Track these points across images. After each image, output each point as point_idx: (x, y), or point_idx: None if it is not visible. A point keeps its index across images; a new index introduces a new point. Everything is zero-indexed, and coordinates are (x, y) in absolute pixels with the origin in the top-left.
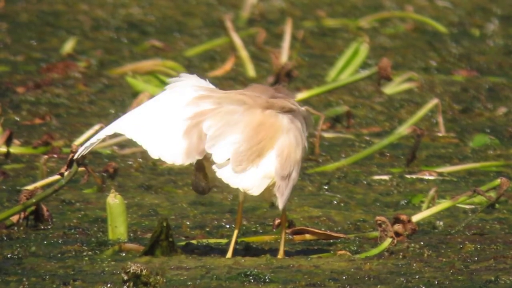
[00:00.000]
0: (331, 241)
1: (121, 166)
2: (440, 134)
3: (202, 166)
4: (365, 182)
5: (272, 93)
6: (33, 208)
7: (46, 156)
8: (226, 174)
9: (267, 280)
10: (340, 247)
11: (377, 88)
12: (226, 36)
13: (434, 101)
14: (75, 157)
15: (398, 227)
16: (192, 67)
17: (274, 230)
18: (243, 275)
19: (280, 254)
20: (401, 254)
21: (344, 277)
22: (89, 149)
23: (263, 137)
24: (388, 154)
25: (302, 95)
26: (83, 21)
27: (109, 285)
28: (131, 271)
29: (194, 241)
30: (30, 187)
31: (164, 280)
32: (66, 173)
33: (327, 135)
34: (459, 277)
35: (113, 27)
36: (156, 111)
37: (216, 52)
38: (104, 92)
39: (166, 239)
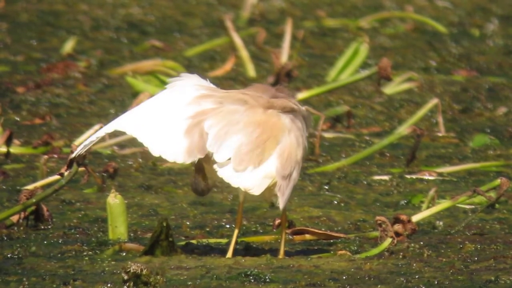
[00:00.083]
0: (331, 241)
1: (121, 166)
2: (440, 134)
3: (202, 167)
4: (365, 182)
5: (273, 93)
6: (33, 208)
7: (46, 156)
8: (227, 174)
9: (267, 280)
10: (340, 247)
11: (377, 88)
12: (226, 36)
13: (434, 101)
14: (74, 155)
15: (398, 227)
16: (192, 67)
17: (274, 230)
18: (243, 275)
19: (281, 254)
20: (401, 254)
21: (344, 277)
22: (88, 147)
23: (264, 136)
24: (388, 154)
25: (302, 95)
26: (83, 21)
27: (109, 285)
28: (131, 271)
29: (194, 241)
30: (30, 187)
31: (164, 280)
32: (66, 173)
33: (327, 135)
34: (459, 277)
35: (113, 27)
36: (157, 109)
37: (216, 52)
38: (104, 92)
39: (166, 239)
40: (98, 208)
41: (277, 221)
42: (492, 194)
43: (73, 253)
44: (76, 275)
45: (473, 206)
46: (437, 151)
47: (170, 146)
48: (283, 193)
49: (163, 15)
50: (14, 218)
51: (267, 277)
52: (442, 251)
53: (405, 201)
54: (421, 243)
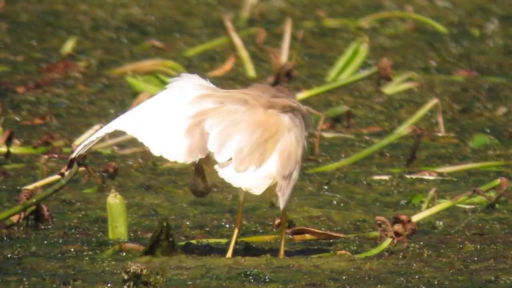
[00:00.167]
0: (331, 241)
1: (121, 166)
2: (440, 134)
3: (201, 169)
4: (365, 182)
5: (274, 92)
6: (33, 208)
7: (46, 156)
8: (228, 174)
9: (267, 280)
10: (340, 247)
11: (377, 88)
12: (226, 36)
13: (434, 101)
14: (74, 155)
15: (398, 227)
16: (192, 67)
17: (274, 230)
18: (243, 275)
19: (281, 254)
20: (401, 254)
21: (344, 277)
22: (88, 147)
23: (265, 136)
24: (388, 154)
25: (302, 95)
26: (83, 21)
27: (109, 284)
28: (132, 271)
29: (194, 241)
30: (30, 187)
31: (164, 280)
32: (66, 173)
33: (327, 135)
34: (459, 277)
35: (113, 27)
36: (158, 109)
37: (216, 52)
38: (104, 92)
39: (166, 239)
40: (98, 208)
41: (277, 221)
42: (492, 194)
43: (73, 253)
44: (76, 275)
45: (473, 206)
46: (437, 151)
47: (171, 145)
48: (283, 193)
49: (163, 15)
50: (14, 218)
51: (267, 277)
52: (442, 251)
53: (405, 201)
54: (421, 243)
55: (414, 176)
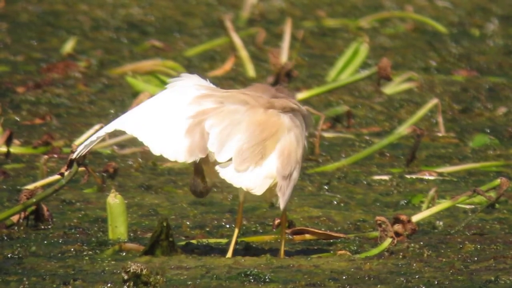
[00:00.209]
0: (331, 241)
1: (121, 166)
2: (440, 134)
3: (201, 169)
4: (365, 182)
5: (274, 92)
6: (33, 208)
7: (46, 156)
8: (229, 174)
9: (267, 280)
10: (340, 247)
11: (377, 88)
12: (226, 36)
13: (434, 101)
14: (75, 155)
15: (398, 227)
16: (192, 67)
17: (274, 230)
18: (243, 275)
19: (281, 254)
20: (401, 254)
21: (344, 277)
22: (89, 148)
23: (265, 136)
24: (388, 154)
25: (302, 95)
26: (83, 21)
27: (109, 284)
28: (131, 271)
29: (194, 241)
30: (30, 186)
31: (164, 280)
32: (66, 173)
33: (327, 135)
34: (459, 277)
35: (113, 27)
36: (158, 109)
37: (216, 52)
38: (104, 92)
39: (166, 239)
40: (98, 208)
41: (277, 221)
42: (492, 194)
43: (73, 253)
44: (76, 275)
45: (473, 206)
46: (437, 151)
47: (171, 145)
48: (283, 193)
49: (163, 15)
50: (14, 218)
51: (267, 277)
52: (442, 251)
53: (405, 201)
54: (421, 243)
55: (414, 176)
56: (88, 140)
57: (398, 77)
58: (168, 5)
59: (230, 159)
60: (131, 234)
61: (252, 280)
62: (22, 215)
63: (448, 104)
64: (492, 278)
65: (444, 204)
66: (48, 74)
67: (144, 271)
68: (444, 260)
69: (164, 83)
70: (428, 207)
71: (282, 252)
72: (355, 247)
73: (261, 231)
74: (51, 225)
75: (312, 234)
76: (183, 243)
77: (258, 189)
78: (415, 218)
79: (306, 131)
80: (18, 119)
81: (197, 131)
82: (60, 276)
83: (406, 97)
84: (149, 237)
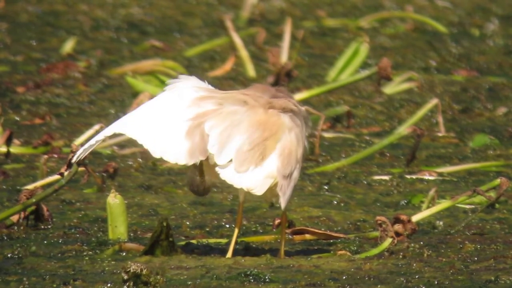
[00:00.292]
0: (331, 241)
1: (121, 166)
2: (440, 134)
3: (201, 169)
4: (365, 182)
5: (273, 93)
6: (33, 208)
7: (46, 156)
8: (229, 175)
9: (267, 280)
10: (340, 247)
11: (377, 88)
12: (226, 36)
13: (434, 101)
14: (74, 159)
15: (398, 227)
16: (192, 67)
17: (274, 230)
18: (243, 275)
19: (281, 254)
20: (401, 254)
21: (344, 277)
22: (88, 151)
23: (265, 136)
24: (388, 154)
25: (302, 95)
26: (83, 21)
27: (109, 284)
28: (131, 271)
29: (194, 241)
30: (30, 186)
31: (164, 280)
32: (66, 173)
33: (327, 135)
34: (459, 277)
35: (113, 27)
36: (157, 111)
37: (216, 52)
38: (104, 92)
39: (166, 239)
40: (98, 208)
41: (277, 221)
42: (492, 194)
43: (73, 253)
44: (76, 275)
45: (473, 206)
46: (437, 151)
47: (171, 148)
48: (284, 192)
49: (163, 15)
50: (14, 218)
51: (267, 277)
52: (442, 251)
53: (405, 201)
54: (421, 243)
55: (414, 176)
56: (87, 144)
57: (398, 77)
58: (168, 5)
59: (231, 160)
60: (131, 234)
61: (252, 280)
62: (22, 215)
63: (448, 104)
64: (492, 278)
65: (444, 204)
66: (48, 74)
67: (144, 271)
68: (444, 260)
69: (164, 83)
70: (428, 207)
71: (282, 252)
72: (355, 247)
73: (261, 231)
74: (51, 225)
75: (312, 234)
76: (183, 243)
77: (259, 189)
78: (415, 218)
79: (306, 131)
80: (18, 119)
81: (197, 133)
82: (60, 276)
83: (406, 97)
84: (149, 237)
